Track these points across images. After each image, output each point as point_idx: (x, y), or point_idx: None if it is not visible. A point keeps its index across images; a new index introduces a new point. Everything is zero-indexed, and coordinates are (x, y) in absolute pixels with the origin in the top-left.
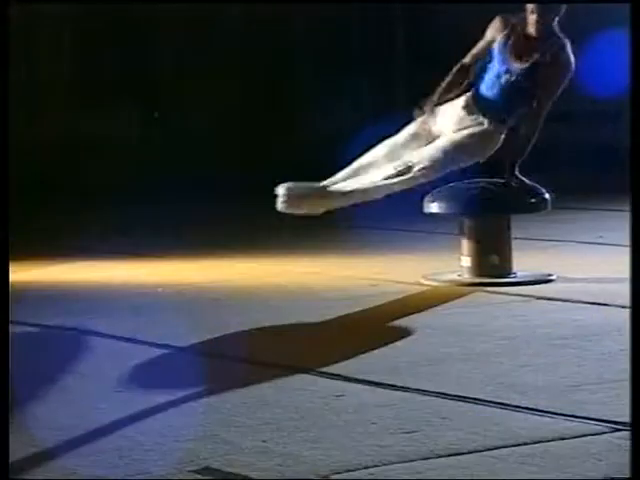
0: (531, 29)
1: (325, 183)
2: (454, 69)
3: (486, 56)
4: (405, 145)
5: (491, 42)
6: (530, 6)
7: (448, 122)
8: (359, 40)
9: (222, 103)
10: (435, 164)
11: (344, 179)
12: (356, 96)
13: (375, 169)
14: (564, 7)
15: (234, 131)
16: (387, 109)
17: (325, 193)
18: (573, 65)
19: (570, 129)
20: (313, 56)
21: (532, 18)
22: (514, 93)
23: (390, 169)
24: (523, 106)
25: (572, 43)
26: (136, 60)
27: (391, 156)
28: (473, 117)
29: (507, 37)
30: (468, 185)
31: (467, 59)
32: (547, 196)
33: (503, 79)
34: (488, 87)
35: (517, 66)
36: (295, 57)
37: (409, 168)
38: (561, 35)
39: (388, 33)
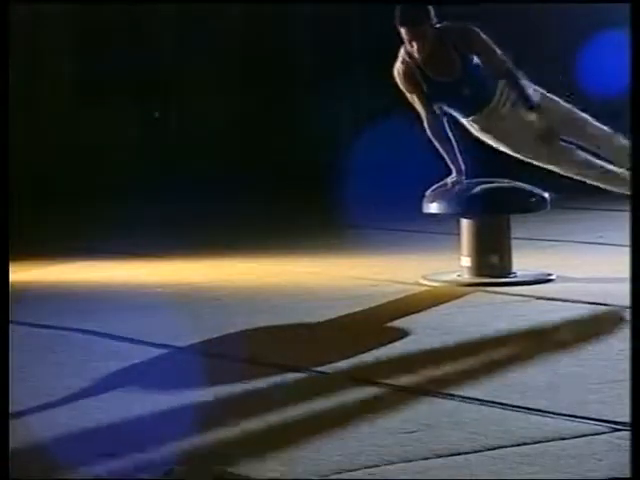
0: (420, 56)
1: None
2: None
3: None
4: None
5: (413, 92)
6: (403, 33)
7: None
8: (359, 40)
9: (222, 103)
10: None
11: None
12: (356, 96)
13: None
14: (431, 11)
15: (234, 131)
16: (387, 109)
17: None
18: (478, 31)
19: None
20: (313, 56)
21: (415, 45)
22: (470, 89)
23: None
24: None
25: (578, 44)
26: (136, 60)
27: None
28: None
29: (410, 69)
30: (468, 185)
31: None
32: (547, 196)
33: (456, 87)
34: (456, 100)
35: (443, 80)
36: (295, 57)
37: None
38: (443, 23)
39: (388, 33)
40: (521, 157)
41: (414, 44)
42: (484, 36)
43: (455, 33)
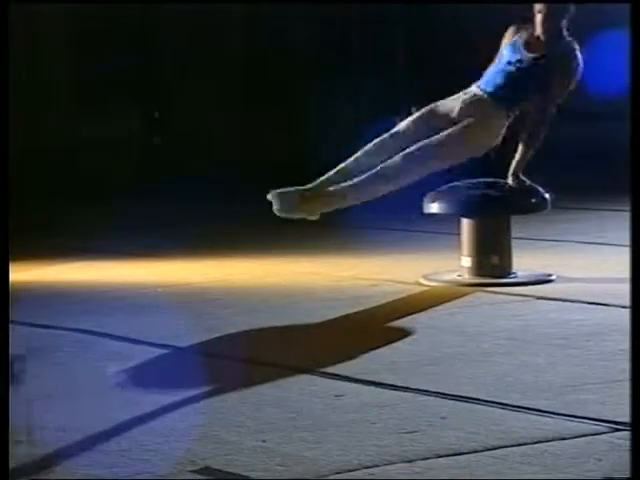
0: (538, 30)
1: (311, 186)
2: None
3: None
4: (387, 146)
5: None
6: (537, 6)
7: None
8: (359, 40)
9: (222, 103)
10: (412, 165)
11: (333, 181)
12: (356, 96)
13: (363, 168)
14: (572, 7)
15: (234, 131)
16: (387, 109)
17: (317, 196)
18: (580, 67)
19: (570, 129)
20: (313, 56)
21: (539, 18)
22: (523, 80)
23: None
24: (530, 94)
25: (579, 44)
26: (136, 60)
27: (376, 156)
28: (474, 105)
29: (518, 34)
30: (468, 185)
31: None
32: (547, 196)
33: (513, 66)
34: (497, 73)
35: (528, 55)
36: (295, 57)
37: (387, 170)
38: (569, 38)
39: (388, 33)
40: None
41: (539, 17)
42: (569, 85)
43: (564, 52)
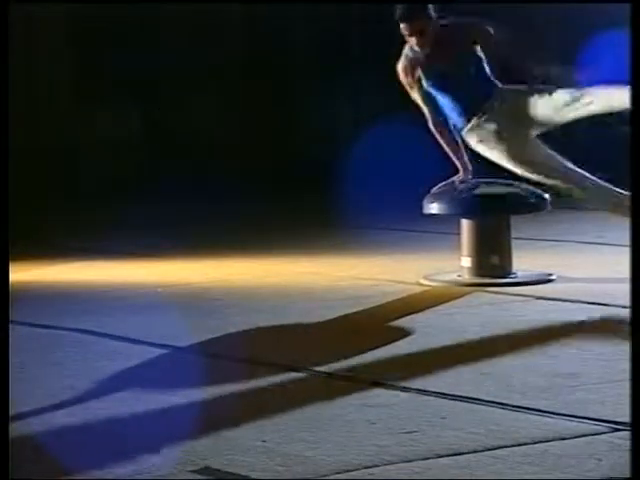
0: (417, 48)
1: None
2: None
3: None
4: None
5: (413, 87)
6: (404, 30)
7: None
8: (359, 40)
9: (222, 103)
10: None
11: None
12: (356, 96)
13: None
14: (429, 6)
15: (234, 131)
16: (387, 109)
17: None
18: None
19: (568, 129)
20: (313, 56)
21: (412, 40)
22: (470, 86)
23: None
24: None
25: (579, 45)
26: (136, 60)
27: None
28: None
29: (414, 67)
30: (468, 186)
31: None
32: (547, 196)
33: (454, 85)
34: (457, 102)
35: (446, 67)
36: (295, 57)
37: None
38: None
39: (388, 33)
40: (513, 166)
41: (413, 39)
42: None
43: (463, 28)
